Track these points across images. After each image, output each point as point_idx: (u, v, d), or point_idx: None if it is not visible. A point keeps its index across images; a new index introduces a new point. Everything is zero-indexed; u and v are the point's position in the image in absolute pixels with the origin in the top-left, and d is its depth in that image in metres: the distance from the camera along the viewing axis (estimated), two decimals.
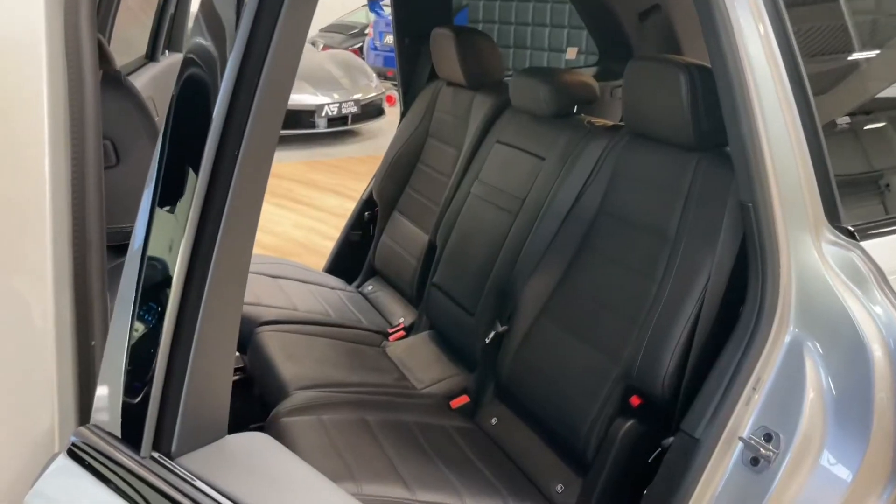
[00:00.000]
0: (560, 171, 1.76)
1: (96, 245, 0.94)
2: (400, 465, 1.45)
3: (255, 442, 0.91)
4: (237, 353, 1.90)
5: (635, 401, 1.41)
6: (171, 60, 3.00)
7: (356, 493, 1.32)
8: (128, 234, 0.91)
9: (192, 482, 0.78)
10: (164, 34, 2.88)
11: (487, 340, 1.75)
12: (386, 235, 2.37)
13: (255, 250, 1.01)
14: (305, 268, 2.45)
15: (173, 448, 0.82)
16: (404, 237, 2.28)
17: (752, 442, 1.20)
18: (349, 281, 2.47)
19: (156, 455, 0.81)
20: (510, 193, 1.88)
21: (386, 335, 2.10)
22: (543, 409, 1.61)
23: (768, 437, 1.21)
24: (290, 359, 1.79)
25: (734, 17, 1.09)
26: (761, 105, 1.13)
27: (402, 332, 2.11)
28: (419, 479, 1.42)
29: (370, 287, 2.40)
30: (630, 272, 1.51)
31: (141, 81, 2.65)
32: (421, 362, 1.95)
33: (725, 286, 1.34)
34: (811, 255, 1.20)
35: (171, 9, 2.90)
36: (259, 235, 0.96)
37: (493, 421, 1.71)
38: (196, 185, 0.84)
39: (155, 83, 2.73)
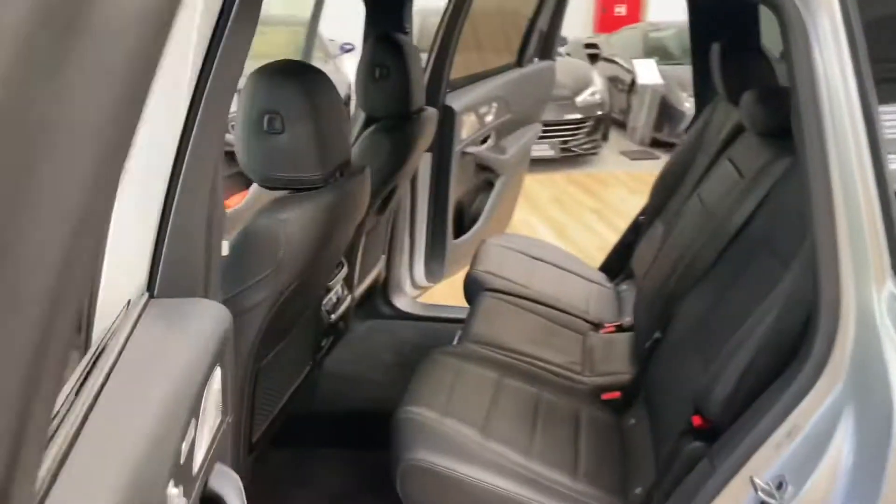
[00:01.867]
0: (749, 189, 1.73)
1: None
2: (515, 432, 1.64)
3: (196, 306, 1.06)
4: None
5: (696, 420, 1.41)
6: (536, 67, 3.48)
7: (483, 446, 1.56)
8: None
9: None
10: (531, 44, 3.36)
11: (647, 345, 1.84)
12: (644, 240, 2.49)
13: None
14: (575, 259, 2.71)
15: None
16: (650, 244, 2.38)
17: (766, 487, 1.18)
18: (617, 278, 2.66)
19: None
20: (709, 209, 1.88)
21: (599, 327, 2.27)
22: (658, 417, 1.66)
23: (780, 486, 1.17)
24: (486, 320, 2.13)
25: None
26: (836, 141, 1.10)
27: (612, 329, 2.25)
28: (529, 451, 1.58)
29: (624, 286, 2.56)
30: (758, 299, 1.48)
31: (496, 83, 3.19)
32: (606, 356, 2.09)
33: (797, 321, 1.27)
34: (871, 307, 1.11)
35: (542, 21, 3.37)
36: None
37: (632, 422, 1.80)
38: None
39: (510, 85, 3.25)
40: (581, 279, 2.56)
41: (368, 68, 2.11)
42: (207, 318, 1.03)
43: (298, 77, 1.49)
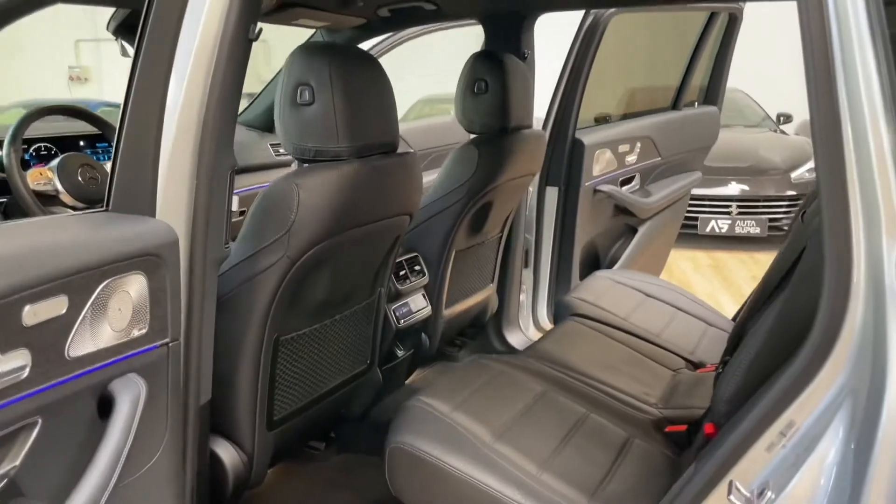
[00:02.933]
0: None
1: None
2: (539, 442, 1.48)
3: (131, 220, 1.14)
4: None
5: (707, 429, 1.17)
6: (695, 111, 3.26)
7: (487, 445, 1.42)
8: None
9: None
10: (688, 86, 3.17)
11: (717, 371, 1.58)
12: None
13: None
14: (704, 305, 2.42)
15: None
16: None
17: (746, 496, 0.95)
18: None
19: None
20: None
21: (698, 366, 1.98)
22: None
23: (761, 493, 0.93)
24: (558, 340, 1.96)
25: None
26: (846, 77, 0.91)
27: (713, 368, 1.95)
28: (547, 462, 1.42)
29: None
30: None
31: (642, 123, 3.04)
32: (690, 391, 1.81)
33: (809, 298, 1.02)
34: (883, 271, 0.87)
35: (703, 64, 3.18)
36: None
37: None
38: None
39: (660, 127, 3.08)
40: (698, 321, 2.27)
41: (467, 83, 2.12)
42: (135, 229, 1.07)
43: (333, 52, 1.54)
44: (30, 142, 2.18)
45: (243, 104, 3.24)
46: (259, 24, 1.46)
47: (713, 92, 3.31)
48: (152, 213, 1.17)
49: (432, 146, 3.70)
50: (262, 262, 1.49)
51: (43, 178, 1.94)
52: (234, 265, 1.51)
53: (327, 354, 1.77)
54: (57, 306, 0.91)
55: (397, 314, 2.08)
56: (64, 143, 2.24)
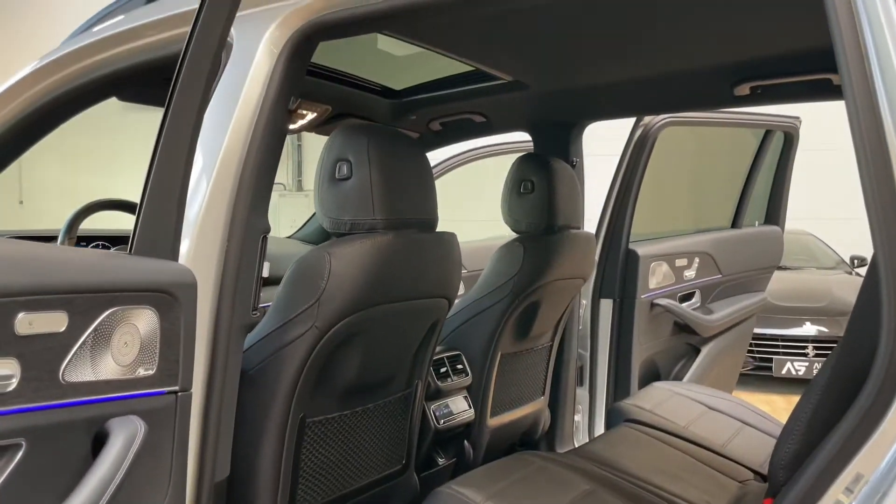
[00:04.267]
0: None
1: None
2: None
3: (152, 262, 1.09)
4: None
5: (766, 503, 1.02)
6: (756, 230, 3.17)
7: None
8: None
9: None
10: (746, 205, 3.11)
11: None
12: None
13: None
14: (771, 419, 2.22)
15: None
16: None
17: None
18: None
19: None
20: None
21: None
22: None
23: None
24: (610, 443, 1.80)
25: None
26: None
27: None
28: None
29: None
30: None
31: (700, 239, 2.96)
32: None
33: (859, 351, 0.91)
34: None
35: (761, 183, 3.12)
36: None
37: None
38: None
39: (720, 244, 2.99)
40: (769, 436, 2.07)
41: (514, 184, 2.13)
42: (151, 265, 1.05)
43: (373, 129, 1.57)
44: (88, 239, 2.26)
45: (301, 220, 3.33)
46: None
47: (773, 211, 3.23)
48: (174, 259, 1.16)
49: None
50: (291, 332, 1.44)
51: None
52: (263, 337, 1.47)
53: (358, 446, 1.66)
54: (55, 322, 0.88)
55: (437, 414, 1.97)
56: (118, 241, 2.31)
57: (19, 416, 0.85)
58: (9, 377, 0.83)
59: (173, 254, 1.16)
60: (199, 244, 1.24)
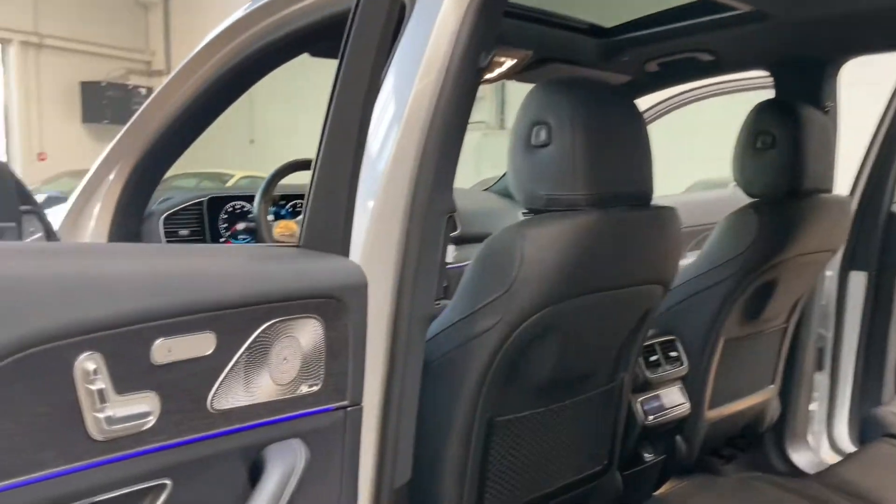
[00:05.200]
0: None
1: None
2: None
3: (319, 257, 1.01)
4: None
5: None
6: None
7: None
8: None
9: None
10: None
11: None
12: None
13: None
14: None
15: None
16: None
17: None
18: None
19: None
20: None
21: None
22: None
23: None
24: (865, 466, 1.45)
25: None
26: None
27: None
28: None
29: None
30: None
31: None
32: None
33: None
34: None
35: None
36: None
37: None
38: None
39: None
40: None
41: (749, 137, 1.78)
42: (315, 265, 0.91)
43: (578, 86, 1.32)
44: (289, 198, 2.23)
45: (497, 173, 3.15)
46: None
47: None
48: (344, 253, 1.01)
49: (702, 223, 3.27)
50: (478, 325, 1.27)
51: (287, 230, 1.94)
52: (447, 327, 1.30)
53: (554, 446, 1.47)
54: (200, 344, 0.77)
55: (645, 408, 1.72)
56: None
57: (160, 455, 0.75)
58: (145, 415, 0.73)
59: (343, 246, 1.01)
60: (375, 231, 1.09)
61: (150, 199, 1.99)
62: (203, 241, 2.07)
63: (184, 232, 2.02)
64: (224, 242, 2.10)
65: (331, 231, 1.01)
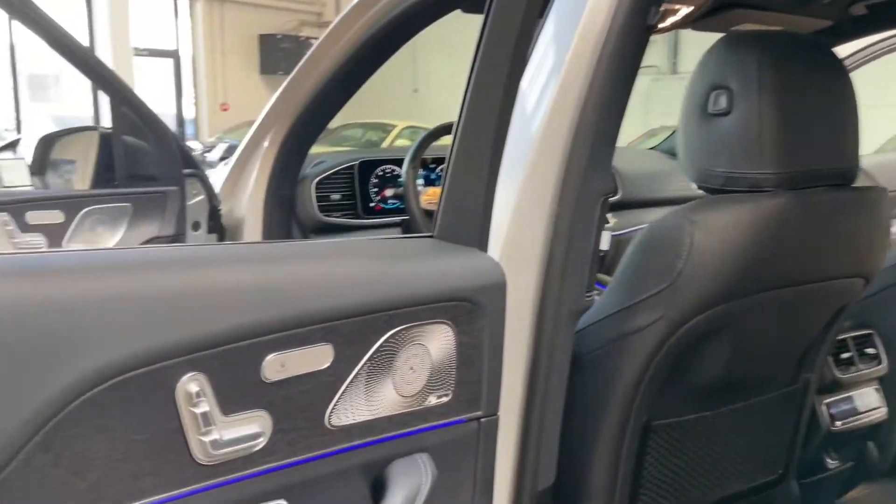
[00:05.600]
0: None
1: None
2: None
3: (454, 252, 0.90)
4: None
5: None
6: None
7: None
8: None
9: None
10: None
11: None
12: None
13: None
14: None
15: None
16: None
17: None
18: None
19: None
20: None
21: None
22: None
23: None
24: None
25: None
26: None
27: None
28: None
29: None
30: None
31: None
32: None
33: None
34: None
35: None
36: None
37: None
38: None
39: None
40: None
41: None
42: (448, 263, 0.81)
43: (767, 41, 1.11)
44: (441, 161, 2.15)
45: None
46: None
47: None
48: (482, 246, 0.90)
49: None
50: (635, 320, 1.12)
51: (435, 197, 1.86)
52: (599, 319, 1.17)
53: (720, 454, 1.31)
54: (317, 358, 0.69)
55: (832, 411, 1.50)
56: None
57: (274, 476, 0.69)
58: (256, 436, 0.67)
59: (481, 238, 0.90)
60: (518, 218, 0.97)
61: (303, 164, 1.98)
62: (354, 205, 2.04)
63: (335, 196, 2.00)
64: (374, 208, 2.06)
65: (468, 220, 0.90)
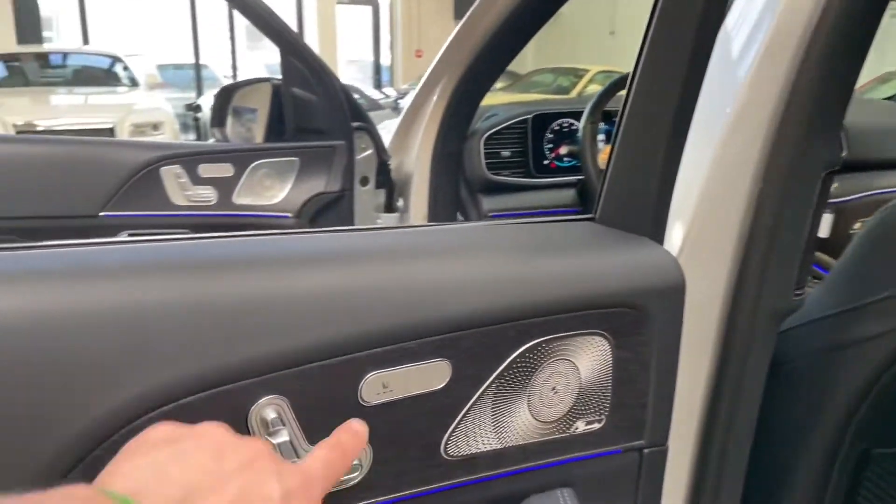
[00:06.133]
0: None
1: None
2: None
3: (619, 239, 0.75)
4: None
5: None
6: None
7: None
8: None
9: None
10: None
11: None
12: None
13: None
14: None
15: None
16: None
17: None
18: None
19: None
20: None
21: None
22: None
23: None
24: None
25: None
26: None
27: None
28: None
29: None
30: None
31: None
32: None
33: None
34: None
35: None
36: None
37: None
38: None
39: None
40: None
41: None
42: (608, 260, 0.64)
43: None
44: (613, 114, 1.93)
45: None
46: None
47: None
48: (656, 236, 0.72)
49: None
50: (859, 327, 0.88)
51: None
52: (806, 323, 0.94)
53: None
54: (428, 377, 0.56)
55: None
56: None
57: None
58: (352, 468, 0.55)
59: (655, 225, 0.71)
60: (706, 202, 0.77)
61: (472, 118, 1.85)
62: (525, 162, 1.88)
63: (505, 153, 1.85)
64: (548, 166, 1.89)
65: (639, 200, 0.72)
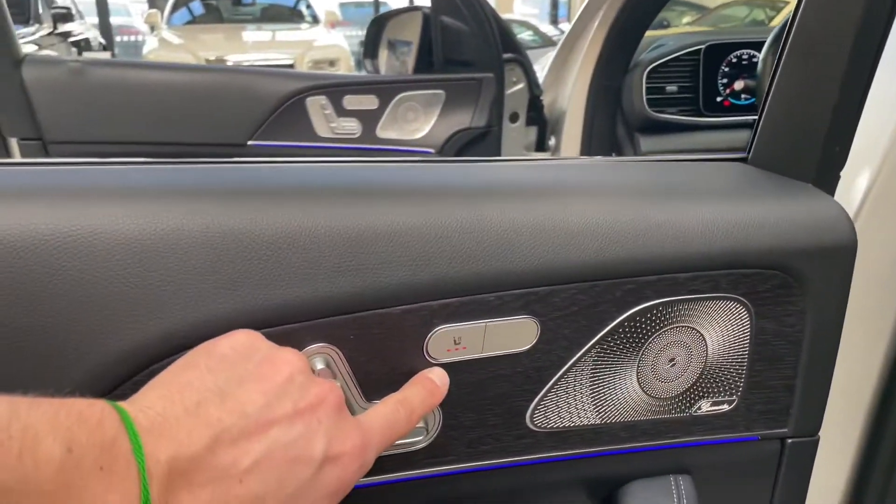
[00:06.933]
0: None
1: None
2: None
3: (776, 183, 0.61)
4: None
5: None
6: None
7: None
8: None
9: None
10: None
11: None
12: None
13: None
14: None
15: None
16: None
17: None
18: None
19: None
20: None
21: None
22: None
23: None
24: None
25: None
26: None
27: None
28: None
29: None
30: None
31: None
32: None
33: None
34: None
35: None
36: None
37: None
38: None
39: None
40: None
41: None
42: (753, 216, 0.52)
43: None
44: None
45: None
46: None
47: None
48: (823, 183, 0.58)
49: None
50: None
51: None
52: None
53: None
54: (511, 334, 0.48)
55: None
56: None
57: (445, 482, 0.51)
58: (415, 432, 0.48)
59: (822, 168, 0.57)
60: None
61: (636, 48, 1.67)
62: (694, 99, 1.68)
63: (671, 88, 1.67)
64: (721, 103, 1.68)
65: (806, 139, 0.57)
